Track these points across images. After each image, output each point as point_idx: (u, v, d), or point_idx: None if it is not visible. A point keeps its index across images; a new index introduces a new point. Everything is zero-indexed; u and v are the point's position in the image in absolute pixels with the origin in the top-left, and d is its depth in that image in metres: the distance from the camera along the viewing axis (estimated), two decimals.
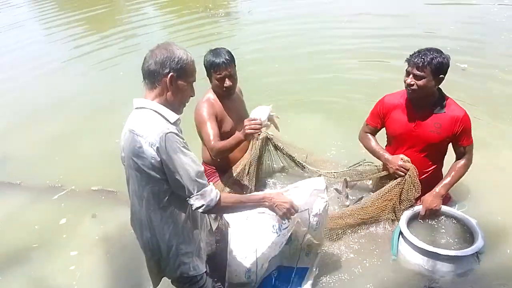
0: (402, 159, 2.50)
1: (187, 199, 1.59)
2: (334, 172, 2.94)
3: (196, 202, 1.59)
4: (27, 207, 3.38)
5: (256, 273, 2.10)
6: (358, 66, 5.67)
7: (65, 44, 7.77)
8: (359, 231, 2.66)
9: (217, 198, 1.61)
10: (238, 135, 2.39)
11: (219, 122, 2.58)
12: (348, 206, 2.82)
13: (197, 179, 1.57)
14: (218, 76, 2.51)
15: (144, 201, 1.65)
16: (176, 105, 1.66)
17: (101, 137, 4.15)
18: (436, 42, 5.89)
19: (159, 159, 1.54)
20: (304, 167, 2.98)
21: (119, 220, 3.04)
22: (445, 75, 2.34)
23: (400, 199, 2.55)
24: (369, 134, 2.77)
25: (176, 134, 1.56)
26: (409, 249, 2.43)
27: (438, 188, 2.50)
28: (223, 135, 2.54)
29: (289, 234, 2.10)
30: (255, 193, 2.09)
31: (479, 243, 2.31)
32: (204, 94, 2.64)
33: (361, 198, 2.86)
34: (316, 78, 5.36)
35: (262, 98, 4.51)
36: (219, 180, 2.77)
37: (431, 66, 2.27)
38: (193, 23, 8.19)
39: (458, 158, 2.55)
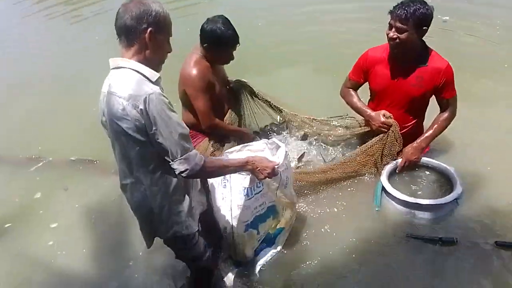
0: (384, 115, 2.48)
1: (170, 162, 1.55)
2: (313, 119, 2.91)
3: (179, 166, 1.54)
4: (2, 181, 3.27)
5: (232, 233, 2.10)
6: (344, 18, 5.53)
7: (35, 15, 7.33)
8: (341, 185, 2.69)
9: (201, 163, 1.57)
10: (242, 130, 2.74)
11: (211, 89, 2.52)
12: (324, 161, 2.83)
13: (182, 143, 1.52)
14: (233, 49, 2.47)
15: (132, 164, 1.60)
16: (156, 63, 1.58)
17: (78, 106, 3.97)
18: None
19: (143, 121, 1.47)
20: (282, 111, 2.91)
21: (99, 189, 3.00)
22: (428, 27, 2.27)
23: (382, 154, 2.57)
24: (351, 90, 2.73)
25: (160, 94, 1.48)
26: (391, 201, 2.49)
27: (419, 140, 2.51)
28: (212, 100, 2.52)
29: (262, 199, 2.11)
30: (239, 156, 2.03)
31: (458, 190, 2.39)
32: (190, 56, 2.50)
33: (334, 159, 2.85)
34: (300, 31, 5.25)
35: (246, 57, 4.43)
36: (204, 140, 2.73)
37: (414, 18, 2.19)
38: None
39: (442, 110, 2.53)
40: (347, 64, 2.78)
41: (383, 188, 2.51)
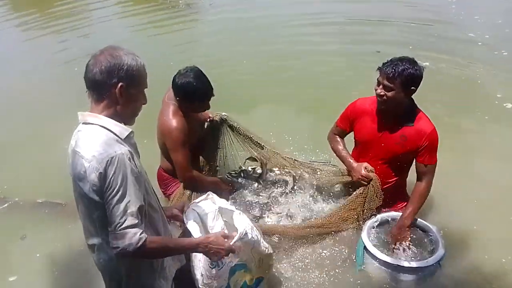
0: (366, 168, 2.43)
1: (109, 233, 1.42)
2: (295, 160, 2.84)
3: (112, 240, 1.40)
4: None
5: None
6: (327, 60, 5.60)
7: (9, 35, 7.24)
8: (322, 240, 2.58)
9: (137, 245, 1.38)
10: (218, 182, 2.72)
11: (187, 137, 2.49)
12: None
13: (125, 216, 1.37)
14: (208, 101, 2.46)
15: (96, 225, 1.50)
16: (128, 117, 1.51)
17: (48, 143, 3.81)
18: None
19: (99, 184, 1.37)
20: (263, 148, 2.83)
21: (65, 236, 2.82)
22: (417, 87, 2.25)
23: (363, 208, 2.49)
24: (337, 137, 2.70)
25: (125, 157, 1.39)
26: (373, 261, 2.39)
27: (403, 220, 2.40)
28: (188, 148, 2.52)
29: (234, 263, 1.96)
30: (205, 206, 1.94)
31: (440, 252, 2.30)
32: (166, 106, 2.47)
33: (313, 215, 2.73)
34: (284, 73, 5.27)
35: (229, 95, 4.39)
36: (181, 186, 2.67)
37: (402, 78, 2.17)
38: (151, 15, 7.83)
39: (418, 178, 2.45)
40: (331, 104, 2.74)
41: (365, 247, 2.42)
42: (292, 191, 2.85)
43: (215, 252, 1.66)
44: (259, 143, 2.84)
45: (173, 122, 2.40)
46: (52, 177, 3.29)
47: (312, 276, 2.41)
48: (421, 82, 2.24)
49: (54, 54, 6.27)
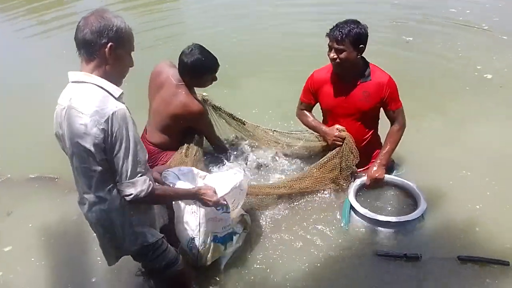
0: (337, 129, 2.55)
1: (117, 183, 1.53)
2: (274, 130, 2.98)
3: (125, 189, 1.53)
4: None
5: (197, 247, 2.12)
6: (309, 32, 5.65)
7: None
8: (303, 202, 2.69)
9: (148, 190, 1.55)
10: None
11: None
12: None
13: (134, 166, 1.50)
14: (216, 75, 2.60)
15: (92, 181, 1.56)
16: (116, 77, 1.57)
17: (35, 118, 3.87)
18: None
19: (103, 139, 1.44)
20: (244, 123, 2.98)
21: (57, 209, 2.88)
22: (365, 45, 2.39)
23: (340, 168, 2.60)
24: (305, 111, 2.80)
25: (125, 112, 1.47)
26: (359, 219, 2.53)
27: (379, 159, 2.59)
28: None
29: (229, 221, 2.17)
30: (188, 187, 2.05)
31: (423, 206, 2.46)
32: (181, 90, 2.57)
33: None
34: (273, 51, 5.32)
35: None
36: (166, 159, 2.73)
37: (350, 38, 2.31)
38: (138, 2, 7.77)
39: (391, 124, 2.62)
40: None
41: (351, 207, 2.53)
42: (272, 161, 2.97)
43: (205, 202, 1.88)
44: (240, 119, 2.99)
45: (197, 104, 2.58)
46: (45, 153, 3.31)
47: (295, 234, 2.51)
48: (368, 39, 2.39)
49: (39, 32, 6.25)
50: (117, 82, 1.57)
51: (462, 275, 2.20)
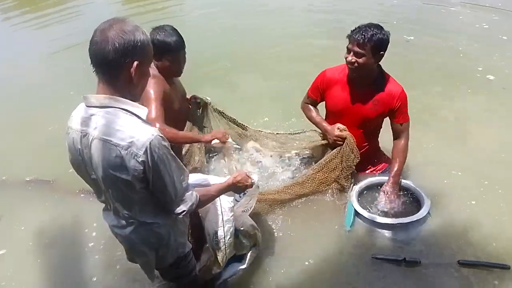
0: (338, 128, 2.49)
1: (165, 204, 1.50)
2: (277, 133, 2.93)
3: (176, 208, 1.51)
4: None
5: (224, 242, 2.04)
6: (310, 33, 5.66)
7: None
8: (305, 203, 2.66)
9: (197, 201, 1.56)
10: (197, 135, 2.54)
11: (168, 101, 2.42)
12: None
13: (179, 185, 1.47)
14: (183, 57, 2.41)
15: (134, 208, 1.51)
16: (139, 94, 1.43)
17: (33, 122, 3.87)
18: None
19: (142, 170, 1.35)
20: (246, 128, 2.94)
21: (51, 211, 2.86)
22: (385, 51, 2.30)
23: (341, 167, 2.56)
24: (310, 105, 2.74)
25: (160, 137, 1.36)
26: (363, 223, 2.49)
27: (392, 178, 2.50)
28: (171, 114, 2.42)
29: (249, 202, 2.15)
30: (220, 179, 2.00)
31: (427, 202, 2.43)
32: (152, 72, 2.41)
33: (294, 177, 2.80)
34: (265, 44, 5.35)
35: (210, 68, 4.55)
36: None
37: (371, 43, 2.21)
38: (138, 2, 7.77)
39: (395, 136, 2.54)
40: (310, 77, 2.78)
41: (356, 212, 2.49)
42: (274, 164, 2.93)
43: (242, 187, 1.90)
44: (242, 124, 2.94)
45: (150, 80, 2.28)
46: (43, 155, 3.36)
47: (295, 237, 2.48)
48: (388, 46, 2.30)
49: (44, 41, 6.23)
50: (138, 99, 1.45)
51: (462, 280, 2.16)
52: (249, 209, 2.18)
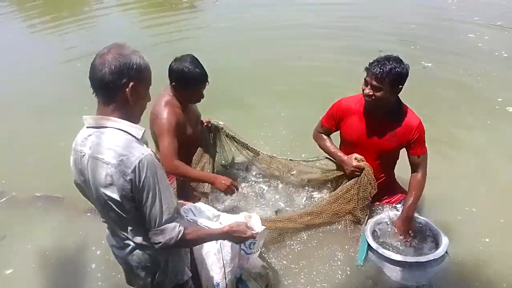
0: (356, 159, 2.43)
1: (147, 230, 1.44)
2: (290, 160, 2.89)
3: (153, 237, 1.43)
4: None
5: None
6: (328, 58, 5.61)
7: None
8: (318, 234, 2.59)
9: (178, 237, 1.44)
10: (209, 176, 2.45)
11: (181, 128, 2.44)
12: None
13: (162, 213, 1.41)
14: (203, 88, 2.43)
15: (126, 227, 1.49)
16: (137, 115, 1.47)
17: (48, 139, 3.86)
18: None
19: (130, 189, 1.36)
20: (259, 154, 2.91)
21: (59, 229, 2.84)
22: (403, 85, 2.25)
23: (357, 198, 2.48)
24: (323, 135, 2.68)
25: (152, 157, 1.38)
26: (377, 258, 2.38)
27: (406, 212, 2.42)
28: (183, 139, 2.44)
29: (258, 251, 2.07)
30: (217, 226, 1.92)
31: (445, 241, 2.31)
32: (161, 96, 2.45)
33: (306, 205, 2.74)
34: (282, 71, 5.32)
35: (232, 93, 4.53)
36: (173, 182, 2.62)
37: (390, 77, 2.16)
38: (155, 16, 7.86)
39: (413, 169, 2.47)
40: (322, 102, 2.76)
41: (371, 247, 2.40)
42: (283, 188, 2.90)
43: (238, 239, 1.76)
44: (255, 149, 2.91)
45: (165, 109, 2.38)
46: (53, 171, 3.31)
47: (308, 273, 2.41)
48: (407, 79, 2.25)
49: (54, 54, 6.36)
50: (137, 119, 1.48)
51: None
52: (258, 250, 2.09)
